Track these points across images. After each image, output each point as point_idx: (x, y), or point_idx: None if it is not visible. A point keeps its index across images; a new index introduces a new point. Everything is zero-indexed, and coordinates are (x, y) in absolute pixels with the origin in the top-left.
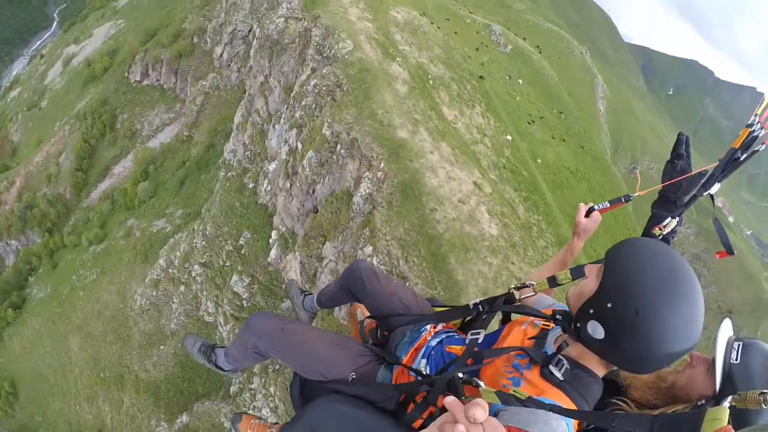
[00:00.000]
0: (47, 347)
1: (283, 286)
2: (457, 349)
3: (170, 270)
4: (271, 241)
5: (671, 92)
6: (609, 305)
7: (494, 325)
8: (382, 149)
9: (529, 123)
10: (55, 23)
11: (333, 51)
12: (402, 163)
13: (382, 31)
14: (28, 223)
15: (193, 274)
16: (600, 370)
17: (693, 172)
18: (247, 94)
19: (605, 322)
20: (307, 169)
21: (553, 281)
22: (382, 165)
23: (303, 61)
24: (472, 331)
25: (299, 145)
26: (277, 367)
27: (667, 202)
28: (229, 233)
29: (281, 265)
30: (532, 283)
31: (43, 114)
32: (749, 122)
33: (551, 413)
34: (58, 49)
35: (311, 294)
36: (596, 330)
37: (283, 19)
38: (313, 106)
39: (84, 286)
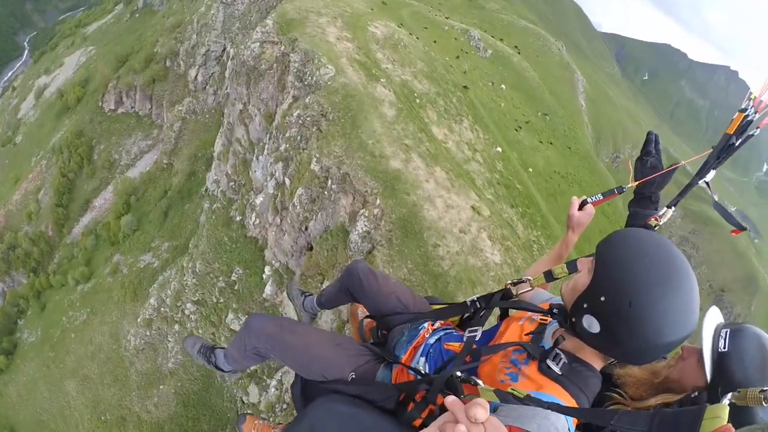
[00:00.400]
0: (44, 393)
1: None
2: (455, 346)
3: (162, 309)
4: (265, 276)
5: (646, 77)
6: (602, 299)
7: (492, 321)
8: (377, 183)
9: (516, 130)
10: (26, 52)
11: (314, 78)
12: (398, 197)
13: (363, 50)
14: (12, 264)
15: (187, 312)
16: (598, 363)
17: (665, 169)
18: (226, 122)
19: (600, 315)
20: (298, 207)
21: (549, 276)
22: (378, 201)
23: (283, 88)
24: (470, 329)
25: (287, 181)
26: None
27: (643, 199)
28: (220, 269)
29: (278, 300)
30: (529, 278)
31: (19, 150)
32: (743, 107)
33: (550, 416)
34: (30, 81)
35: (312, 295)
36: (592, 324)
37: (258, 44)
38: (298, 138)
39: (75, 327)
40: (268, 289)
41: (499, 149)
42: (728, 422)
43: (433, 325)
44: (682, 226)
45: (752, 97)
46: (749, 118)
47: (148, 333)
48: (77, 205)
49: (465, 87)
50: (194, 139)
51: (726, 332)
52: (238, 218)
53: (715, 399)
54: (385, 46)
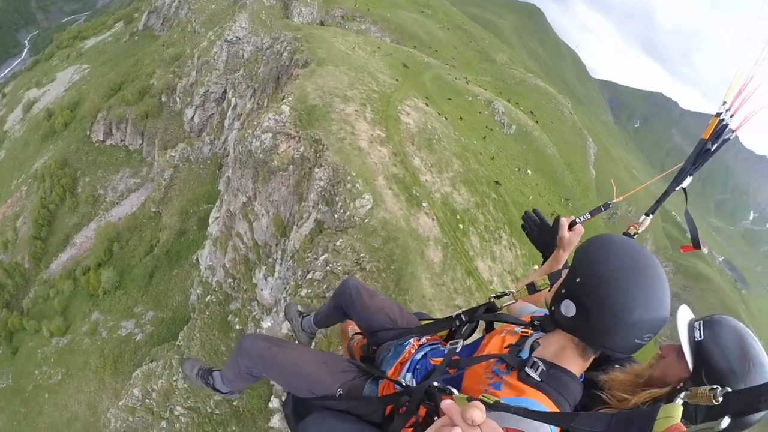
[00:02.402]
0: None
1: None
2: (440, 361)
3: (147, 401)
4: (271, 406)
5: (638, 124)
6: (577, 280)
7: (479, 334)
8: None
9: None
10: (25, 50)
11: (347, 210)
12: None
13: (399, 158)
14: None
15: (176, 413)
16: (576, 366)
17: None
18: (224, 208)
19: (575, 296)
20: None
21: (532, 287)
22: None
23: (300, 198)
24: (451, 341)
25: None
26: None
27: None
28: None
29: None
30: (512, 291)
31: (0, 167)
32: (717, 111)
33: (527, 419)
34: (21, 90)
35: (309, 315)
36: (569, 308)
37: (269, 134)
38: (325, 286)
39: (49, 386)
40: (276, 422)
41: (536, 267)
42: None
43: (419, 340)
44: (673, 281)
45: (726, 99)
46: (724, 123)
47: (131, 419)
48: (57, 240)
49: (497, 182)
50: (186, 190)
51: (699, 323)
52: (237, 326)
53: (700, 385)
54: (420, 146)
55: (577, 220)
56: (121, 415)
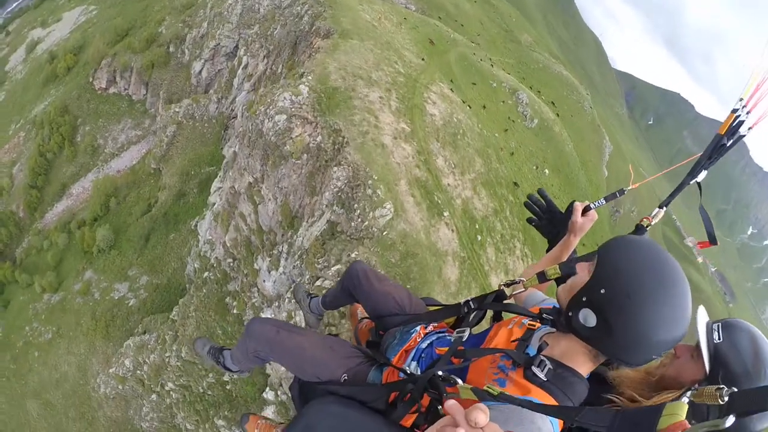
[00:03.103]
0: (2, 404)
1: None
2: (445, 350)
3: (138, 372)
4: (265, 396)
5: (651, 122)
6: (602, 291)
7: (486, 323)
8: None
9: None
10: None
11: (365, 219)
12: None
13: (423, 157)
14: None
15: (167, 388)
16: (584, 368)
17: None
18: (228, 184)
19: (597, 308)
20: None
21: (542, 276)
22: None
23: (313, 191)
24: (458, 329)
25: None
26: None
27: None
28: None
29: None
30: (522, 279)
31: None
32: (734, 107)
33: (536, 413)
34: (25, 29)
35: (317, 297)
36: (588, 318)
37: (284, 116)
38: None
39: (39, 344)
40: (270, 414)
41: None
42: (686, 419)
43: (425, 328)
44: None
45: (744, 96)
46: (740, 119)
47: (120, 387)
48: (53, 189)
49: (515, 184)
50: (188, 149)
51: (718, 325)
52: (235, 311)
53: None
54: (445, 142)
55: (592, 206)
56: (110, 382)
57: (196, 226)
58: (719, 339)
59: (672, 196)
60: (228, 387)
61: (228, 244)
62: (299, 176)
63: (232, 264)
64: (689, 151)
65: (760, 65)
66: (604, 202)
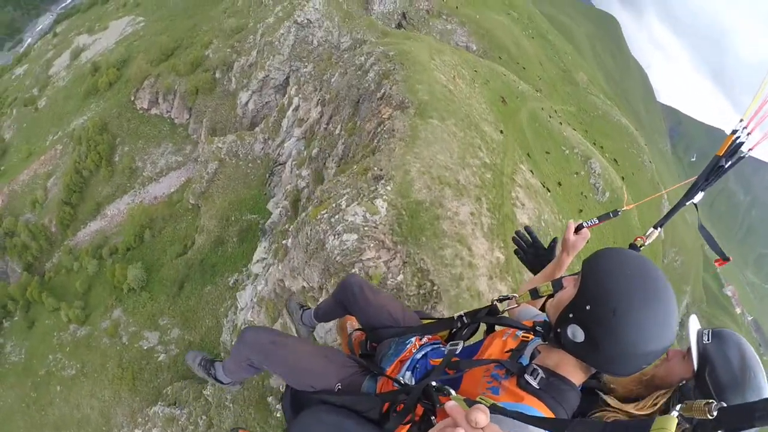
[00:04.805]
0: (21, 429)
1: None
2: (440, 361)
3: None
4: None
5: (694, 158)
6: (588, 308)
7: (480, 335)
8: None
9: None
10: None
11: None
12: None
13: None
14: (8, 251)
15: None
16: (577, 377)
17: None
18: (276, 276)
19: (584, 324)
20: None
21: (534, 293)
22: None
23: None
24: (451, 342)
25: None
26: None
27: None
28: None
29: None
30: (515, 295)
31: (39, 117)
32: (734, 128)
33: (529, 426)
34: (72, 33)
35: (309, 309)
36: (576, 333)
37: (355, 236)
38: None
39: (61, 378)
40: None
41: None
42: None
43: (420, 340)
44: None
45: (743, 118)
46: (739, 140)
47: None
48: (87, 208)
49: None
50: (229, 190)
51: (708, 331)
52: (278, 414)
53: (703, 384)
54: None
55: (584, 225)
56: None
57: (234, 284)
58: (709, 341)
59: (667, 217)
60: None
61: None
62: None
63: None
64: (731, 192)
65: (762, 87)
66: (597, 221)
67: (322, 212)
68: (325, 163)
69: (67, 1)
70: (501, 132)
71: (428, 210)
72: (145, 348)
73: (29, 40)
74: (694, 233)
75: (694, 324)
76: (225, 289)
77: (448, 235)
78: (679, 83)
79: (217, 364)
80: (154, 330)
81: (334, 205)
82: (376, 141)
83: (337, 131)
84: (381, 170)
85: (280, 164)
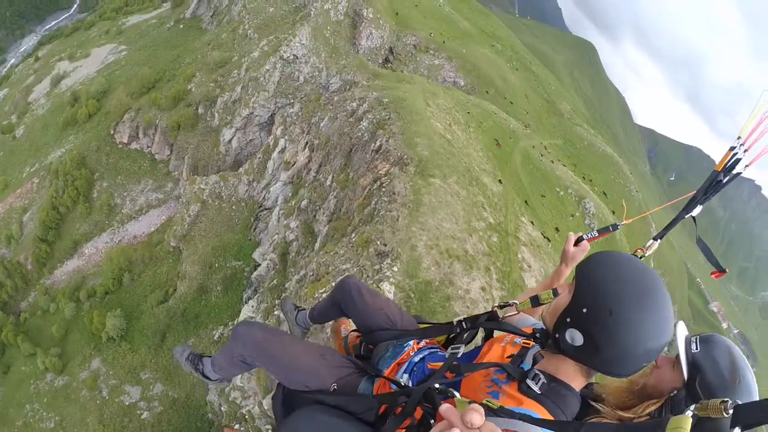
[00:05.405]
0: None
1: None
2: (438, 365)
3: None
4: None
5: (672, 178)
6: (584, 310)
7: (478, 341)
8: None
9: None
10: (75, 5)
11: None
12: None
13: None
14: None
15: None
16: (577, 382)
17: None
18: None
19: (582, 327)
20: None
21: (535, 300)
22: None
23: None
24: (452, 346)
25: None
26: None
27: None
28: None
29: None
30: (515, 302)
31: (16, 146)
32: (731, 145)
33: (530, 425)
34: (53, 58)
35: (305, 310)
36: (574, 337)
37: None
38: None
39: (40, 431)
40: None
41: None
42: None
43: (418, 343)
44: None
45: (742, 134)
46: (737, 157)
47: None
48: (64, 245)
49: None
50: (212, 233)
51: (696, 338)
52: None
53: (693, 393)
54: None
55: (584, 237)
56: None
57: (219, 338)
58: (697, 349)
59: (667, 228)
60: None
61: (265, 407)
62: None
63: (271, 422)
64: (711, 209)
65: (759, 105)
66: (597, 234)
67: (320, 290)
68: (315, 216)
69: (52, 24)
70: (500, 182)
71: (438, 290)
72: (127, 404)
73: (12, 60)
74: (678, 254)
75: (681, 330)
76: (210, 343)
77: (461, 314)
78: (656, 105)
79: (206, 359)
80: (135, 384)
81: (333, 283)
82: (374, 202)
83: (328, 182)
84: (385, 245)
85: (266, 209)
